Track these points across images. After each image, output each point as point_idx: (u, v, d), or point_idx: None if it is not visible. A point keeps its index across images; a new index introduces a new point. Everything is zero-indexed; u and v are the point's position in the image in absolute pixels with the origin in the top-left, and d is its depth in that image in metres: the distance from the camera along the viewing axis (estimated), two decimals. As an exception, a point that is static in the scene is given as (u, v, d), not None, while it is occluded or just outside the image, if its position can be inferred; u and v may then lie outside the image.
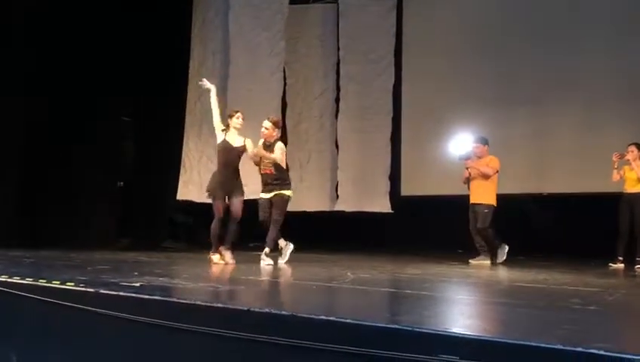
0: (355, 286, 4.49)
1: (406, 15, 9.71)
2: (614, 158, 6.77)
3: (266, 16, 8.94)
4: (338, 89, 9.56)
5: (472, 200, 7.07)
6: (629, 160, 6.73)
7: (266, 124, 6.20)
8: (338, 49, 9.61)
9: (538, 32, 8.59)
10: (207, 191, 6.33)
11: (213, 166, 9.13)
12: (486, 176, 6.95)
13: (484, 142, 7.18)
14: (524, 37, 8.70)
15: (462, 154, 7.21)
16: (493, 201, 6.95)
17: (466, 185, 7.19)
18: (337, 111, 9.52)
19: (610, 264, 6.65)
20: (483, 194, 6.96)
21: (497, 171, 6.99)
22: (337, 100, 9.56)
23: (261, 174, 6.26)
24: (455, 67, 9.19)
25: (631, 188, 6.76)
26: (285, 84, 9.31)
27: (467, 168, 7.16)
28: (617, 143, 7.66)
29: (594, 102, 8.19)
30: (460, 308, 3.64)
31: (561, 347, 2.16)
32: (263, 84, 8.83)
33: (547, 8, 8.62)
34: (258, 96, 8.71)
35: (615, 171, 6.80)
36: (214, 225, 6.11)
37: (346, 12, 9.60)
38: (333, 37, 9.75)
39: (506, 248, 6.86)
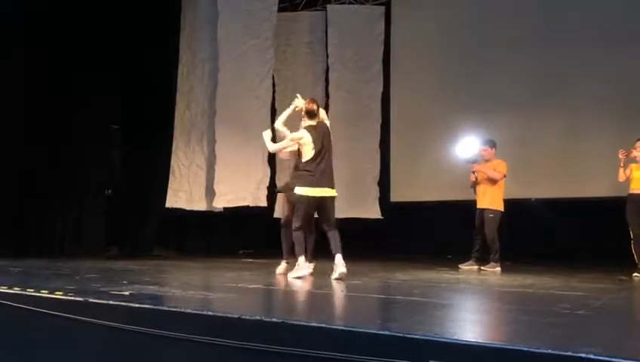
0: (345, 292, 4.49)
1: (394, 22, 9.79)
2: (620, 156, 6.36)
3: (255, 24, 8.96)
4: (327, 96, 9.59)
5: (478, 206, 6.95)
6: (635, 157, 6.33)
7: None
8: (327, 56, 9.65)
9: (525, 40, 8.68)
10: None
11: (202, 173, 9.17)
12: (493, 181, 6.86)
13: (492, 144, 7.04)
14: (511, 44, 8.79)
15: (469, 157, 7.05)
16: (500, 207, 6.85)
17: (473, 189, 7.08)
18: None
19: (636, 274, 6.09)
20: (490, 200, 6.85)
21: (505, 176, 6.88)
22: (327, 107, 9.58)
23: None
24: (443, 74, 9.27)
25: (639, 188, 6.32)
26: (274, 91, 9.33)
27: (473, 172, 7.03)
28: (602, 149, 7.77)
29: (580, 108, 8.29)
30: (450, 314, 3.65)
31: (550, 351, 2.17)
32: (252, 91, 8.84)
33: (533, 16, 8.72)
34: (247, 103, 8.72)
35: (621, 170, 6.38)
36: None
37: (335, 19, 9.65)
38: (322, 44, 9.80)
39: (499, 269, 6.66)
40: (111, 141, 9.58)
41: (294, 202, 5.52)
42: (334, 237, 5.32)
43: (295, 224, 5.38)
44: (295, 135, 5.53)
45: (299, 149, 5.51)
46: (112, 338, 3.21)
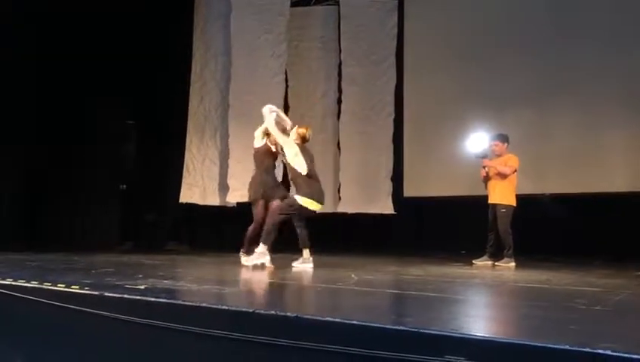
0: (359, 287, 4.49)
1: (407, 16, 9.72)
2: None
3: (268, 19, 8.96)
4: (340, 90, 9.56)
5: (490, 201, 6.91)
6: None
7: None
8: (340, 51, 9.62)
9: (537, 36, 8.57)
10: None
11: (216, 168, 9.20)
12: (504, 176, 6.81)
13: (504, 139, 6.98)
14: (524, 38, 8.68)
15: (478, 152, 7.01)
16: (511, 202, 6.79)
17: (484, 185, 7.02)
18: (339, 112, 9.52)
19: None
20: (501, 195, 6.81)
21: (516, 170, 6.82)
22: (339, 102, 9.57)
23: None
24: (456, 68, 9.19)
25: None
26: (287, 86, 9.31)
27: (484, 167, 6.98)
28: (617, 144, 7.69)
29: (593, 103, 8.19)
30: (465, 309, 3.64)
31: (568, 347, 2.15)
32: (265, 86, 8.84)
33: (546, 10, 8.62)
34: (260, 98, 8.69)
35: None
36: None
37: (348, 14, 9.60)
38: (334, 39, 9.76)
39: (513, 265, 6.61)
40: (125, 136, 9.63)
41: (292, 205, 5.86)
42: (306, 234, 5.90)
43: (275, 220, 5.76)
44: (293, 144, 5.91)
45: (283, 158, 6.05)
46: (127, 332, 3.23)
